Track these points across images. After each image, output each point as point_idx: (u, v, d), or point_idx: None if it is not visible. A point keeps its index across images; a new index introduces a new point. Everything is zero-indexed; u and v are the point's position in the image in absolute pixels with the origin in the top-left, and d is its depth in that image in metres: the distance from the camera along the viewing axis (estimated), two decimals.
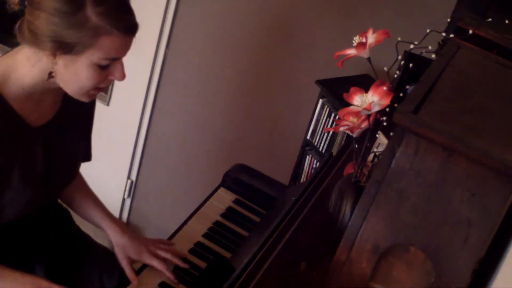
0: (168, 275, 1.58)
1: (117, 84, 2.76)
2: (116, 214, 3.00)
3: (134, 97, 2.76)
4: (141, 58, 2.65)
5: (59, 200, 1.75)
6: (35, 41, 1.30)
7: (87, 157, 1.70)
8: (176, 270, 1.61)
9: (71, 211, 1.81)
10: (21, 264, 1.53)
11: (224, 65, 2.63)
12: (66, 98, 1.48)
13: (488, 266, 1.06)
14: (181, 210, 2.11)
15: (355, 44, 1.18)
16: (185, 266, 1.62)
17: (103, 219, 1.69)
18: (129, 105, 2.80)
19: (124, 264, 1.61)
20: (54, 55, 1.30)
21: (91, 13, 1.26)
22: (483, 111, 1.04)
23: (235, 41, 2.57)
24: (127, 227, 1.68)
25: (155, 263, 1.60)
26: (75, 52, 1.29)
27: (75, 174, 1.62)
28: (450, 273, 0.99)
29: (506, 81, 1.18)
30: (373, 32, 1.18)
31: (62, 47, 1.29)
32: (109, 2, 1.29)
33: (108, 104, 2.82)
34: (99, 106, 2.71)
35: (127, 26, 1.32)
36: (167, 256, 1.62)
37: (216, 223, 1.79)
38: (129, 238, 1.64)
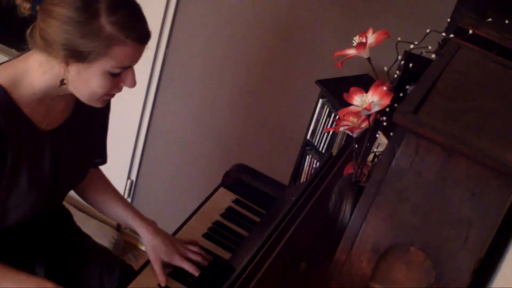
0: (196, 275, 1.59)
1: None
2: None
3: (134, 97, 2.76)
4: (141, 58, 2.64)
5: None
6: (48, 48, 1.29)
7: (103, 161, 1.71)
8: (176, 270, 1.61)
9: (72, 211, 1.82)
10: (22, 264, 1.53)
11: (224, 65, 2.63)
12: (78, 104, 1.48)
13: (488, 266, 1.06)
14: (181, 210, 2.11)
15: (355, 44, 1.18)
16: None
17: (134, 220, 1.67)
18: (129, 105, 2.79)
19: (156, 267, 1.59)
20: (66, 63, 1.30)
21: (105, 23, 1.26)
22: (483, 111, 1.04)
23: (235, 41, 2.57)
24: (158, 228, 1.68)
25: (186, 265, 1.60)
26: (88, 61, 1.28)
27: (81, 179, 1.62)
28: (450, 273, 0.99)
29: (506, 81, 1.18)
30: (373, 32, 1.18)
31: (75, 56, 1.28)
32: (124, 11, 1.28)
33: None
34: None
35: (141, 36, 1.32)
36: (198, 258, 1.62)
37: (216, 223, 1.79)
38: (161, 239, 1.62)
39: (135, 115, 2.80)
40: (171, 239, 1.65)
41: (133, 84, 1.38)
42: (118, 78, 1.35)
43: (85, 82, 1.33)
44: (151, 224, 1.67)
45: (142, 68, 2.68)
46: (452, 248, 0.98)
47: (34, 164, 1.42)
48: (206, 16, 2.57)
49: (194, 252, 1.63)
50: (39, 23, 1.30)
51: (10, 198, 1.40)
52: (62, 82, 1.34)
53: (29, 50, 1.38)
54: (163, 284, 1.56)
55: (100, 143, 1.68)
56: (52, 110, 1.44)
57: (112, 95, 1.40)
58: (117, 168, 2.93)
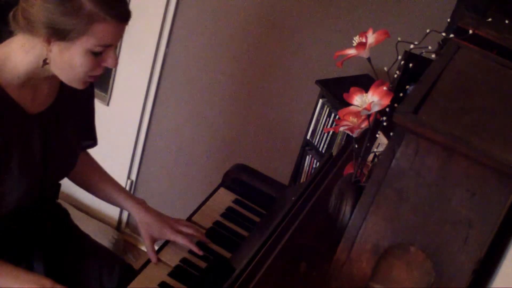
0: (193, 248, 1.64)
1: (117, 84, 2.76)
2: (116, 213, 3.01)
3: (134, 97, 2.76)
4: (141, 58, 2.65)
5: (58, 200, 1.76)
6: (30, 28, 1.32)
7: (93, 143, 1.72)
8: (176, 270, 1.61)
9: (70, 210, 1.82)
10: (20, 263, 1.54)
11: (224, 65, 2.63)
12: (63, 87, 1.49)
13: (488, 266, 1.06)
14: (181, 210, 2.11)
15: (355, 44, 1.18)
16: (207, 240, 1.68)
17: (125, 200, 1.71)
18: (129, 105, 2.79)
19: (146, 243, 1.65)
20: (48, 41, 1.32)
21: (85, 0, 1.28)
22: (483, 111, 1.04)
23: (235, 41, 2.57)
24: (149, 206, 1.72)
25: (178, 238, 1.65)
26: (69, 39, 1.30)
27: (74, 162, 1.62)
28: (450, 273, 0.99)
29: (506, 81, 1.18)
30: (373, 32, 1.18)
31: (56, 34, 1.30)
32: None
33: (108, 104, 2.82)
34: (99, 106, 2.73)
35: (121, 13, 1.34)
36: (189, 231, 1.67)
37: (216, 223, 1.78)
38: (153, 216, 1.68)
39: (135, 115, 2.80)
40: (162, 216, 1.70)
41: (114, 64, 1.39)
42: (100, 58, 1.37)
43: (67, 61, 1.34)
44: (141, 203, 1.71)
45: (142, 68, 2.68)
46: (452, 248, 0.98)
47: (24, 148, 1.43)
48: (206, 16, 2.57)
49: (185, 226, 1.68)
50: (21, 4, 1.32)
51: (3, 184, 1.41)
52: (44, 61, 1.36)
53: (12, 35, 1.39)
54: (154, 261, 1.60)
55: (88, 125, 1.68)
56: (37, 93, 1.45)
57: (94, 77, 1.40)
58: (117, 168, 2.93)
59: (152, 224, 1.66)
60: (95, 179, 1.75)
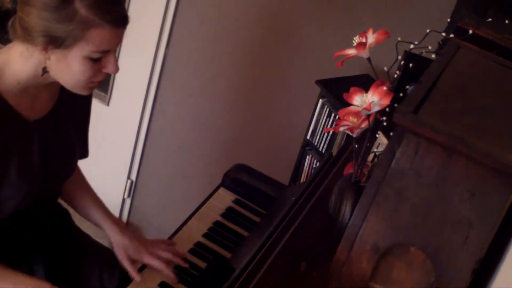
0: (169, 274, 1.58)
1: (117, 84, 2.76)
2: (116, 214, 3.00)
3: (134, 97, 2.76)
4: (141, 58, 2.65)
5: (58, 200, 1.75)
6: (27, 36, 1.31)
7: (84, 154, 1.69)
8: (176, 270, 1.61)
9: (71, 211, 1.82)
10: (21, 264, 1.54)
11: (224, 65, 2.63)
12: (63, 93, 1.49)
13: (488, 266, 1.06)
14: (181, 210, 2.11)
15: (355, 44, 1.18)
16: (186, 265, 1.62)
17: (103, 219, 1.68)
18: (129, 105, 2.80)
19: (124, 263, 1.60)
20: (45, 49, 1.31)
21: (80, 7, 1.27)
22: (483, 111, 1.04)
23: (235, 41, 2.57)
24: (126, 228, 1.69)
25: (155, 263, 1.59)
26: (65, 46, 1.29)
27: (72, 168, 1.62)
28: (450, 273, 0.99)
29: (506, 81, 1.18)
30: (373, 32, 1.18)
31: (53, 41, 1.29)
32: None
33: (108, 104, 2.82)
34: (99, 106, 2.73)
35: (116, 18, 1.32)
36: (167, 255, 1.61)
37: (216, 223, 1.79)
38: (129, 238, 1.64)
39: (135, 115, 2.80)
40: (139, 238, 1.66)
41: (115, 69, 1.37)
42: (99, 64, 1.35)
43: (66, 68, 1.33)
44: (118, 224, 1.68)
45: (142, 68, 2.68)
46: (452, 248, 0.98)
47: (23, 154, 1.43)
48: (206, 16, 2.57)
49: (164, 250, 1.62)
50: (18, 13, 1.32)
51: (2, 190, 1.40)
52: (44, 70, 1.35)
53: (11, 42, 1.39)
54: (138, 279, 1.56)
55: (82, 135, 1.66)
56: (37, 99, 1.44)
57: (97, 82, 1.39)
58: (117, 168, 2.93)
59: (129, 245, 1.62)
60: (77, 194, 1.72)
